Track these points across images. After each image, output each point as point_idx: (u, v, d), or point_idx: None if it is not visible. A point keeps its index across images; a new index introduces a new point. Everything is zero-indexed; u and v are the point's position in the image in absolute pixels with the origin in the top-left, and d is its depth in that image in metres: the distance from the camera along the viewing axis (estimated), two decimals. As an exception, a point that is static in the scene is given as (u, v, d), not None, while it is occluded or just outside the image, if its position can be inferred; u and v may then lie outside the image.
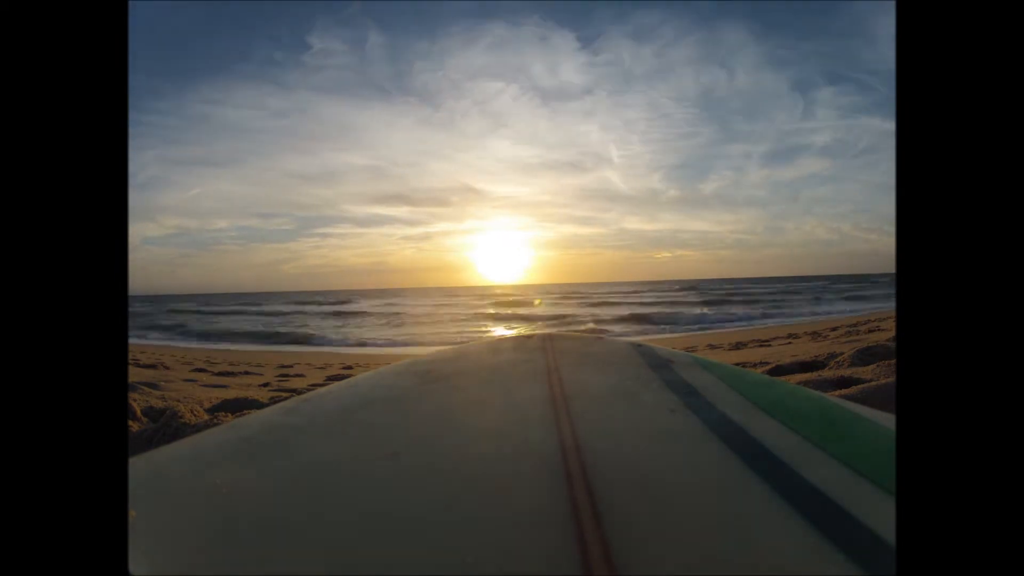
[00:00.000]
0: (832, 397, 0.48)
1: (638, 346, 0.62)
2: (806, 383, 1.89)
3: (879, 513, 0.26)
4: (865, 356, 2.51)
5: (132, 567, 0.24)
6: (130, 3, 0.32)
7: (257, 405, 1.82)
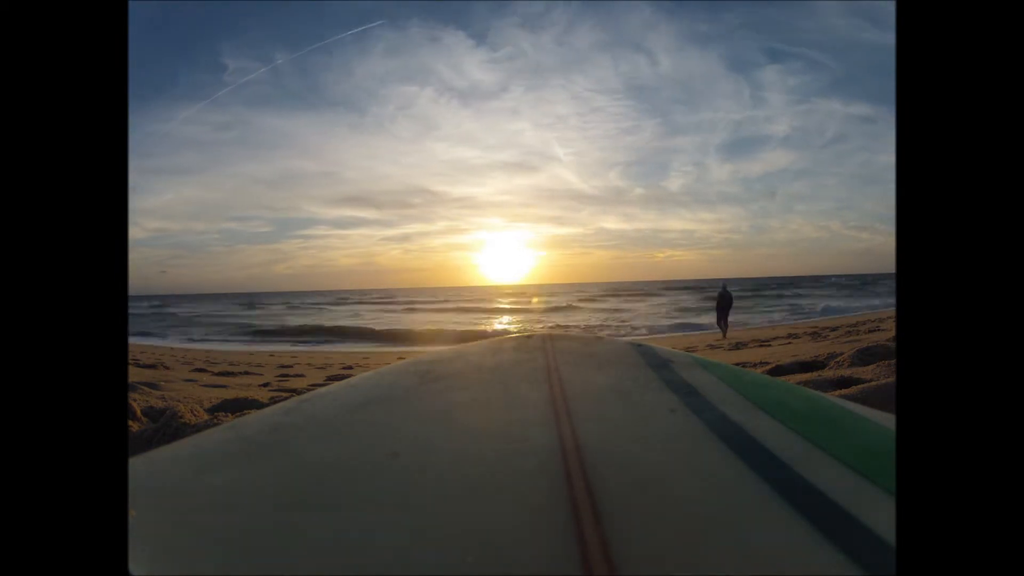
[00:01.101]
0: (832, 397, 0.48)
1: (638, 346, 0.62)
2: (806, 383, 1.89)
3: (879, 513, 0.26)
4: (865, 356, 2.51)
5: (132, 567, 0.24)
6: (130, 3, 0.32)
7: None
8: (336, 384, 0.55)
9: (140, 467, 0.34)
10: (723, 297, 7.85)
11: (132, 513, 0.28)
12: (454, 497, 0.29)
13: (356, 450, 0.36)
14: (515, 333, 0.72)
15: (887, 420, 0.40)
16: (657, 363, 0.54)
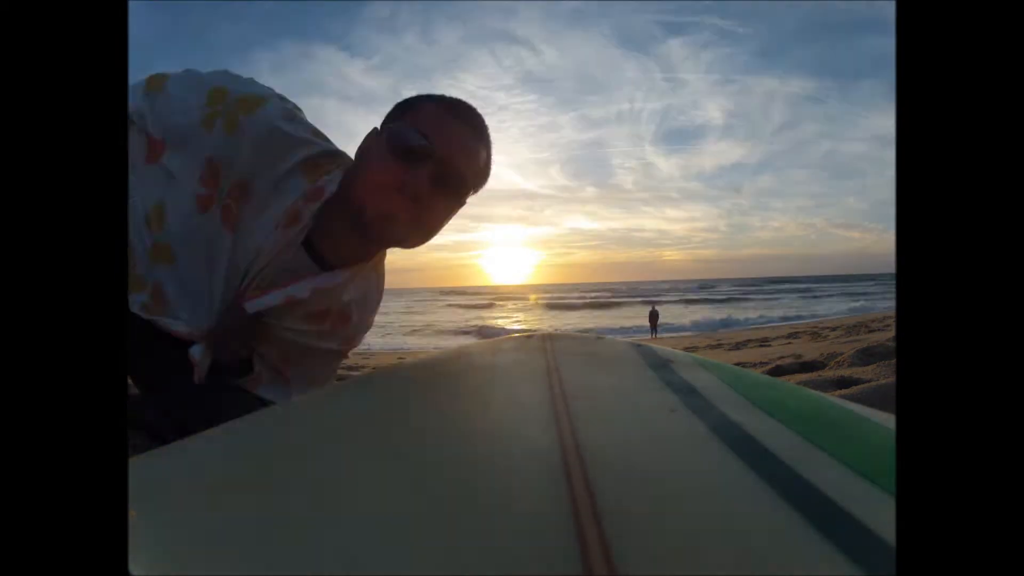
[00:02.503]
0: (832, 397, 0.48)
1: (638, 346, 0.62)
2: (806, 383, 1.89)
3: (879, 513, 0.26)
4: (865, 356, 2.51)
5: (132, 567, 0.24)
6: (130, 3, 0.32)
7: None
8: (336, 384, 0.55)
9: (140, 467, 0.34)
10: (653, 314, 10.69)
11: (132, 513, 0.28)
12: (453, 497, 0.29)
13: (356, 450, 0.36)
14: (516, 333, 0.72)
15: (887, 420, 0.40)
16: (657, 363, 0.54)
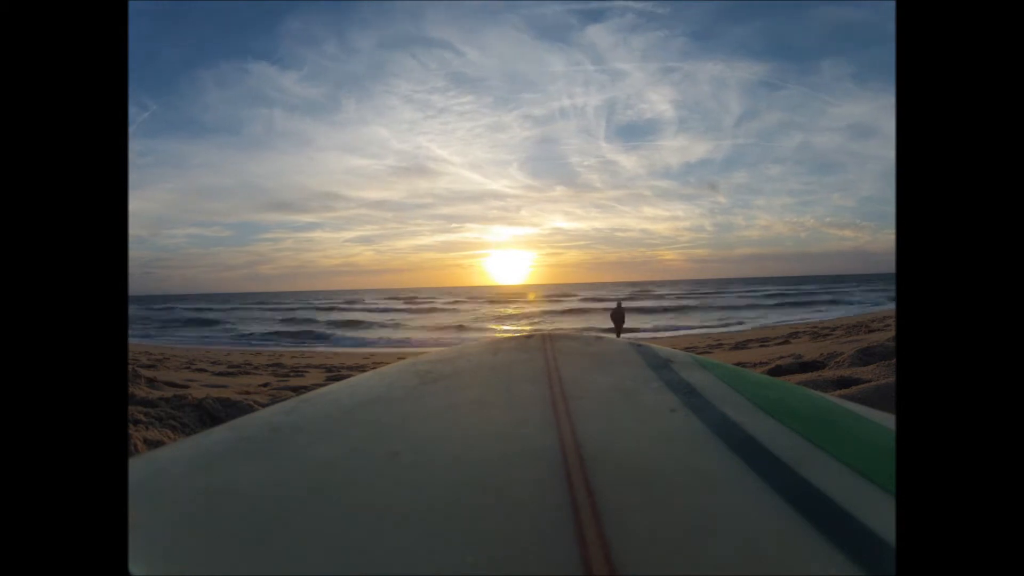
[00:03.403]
0: (832, 397, 0.48)
1: (638, 346, 0.62)
2: (806, 383, 1.89)
3: (879, 513, 0.26)
4: (865, 356, 2.51)
5: (132, 567, 0.24)
6: (130, 3, 0.32)
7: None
8: (336, 384, 0.55)
9: (140, 467, 0.34)
10: (617, 313, 9.99)
11: (132, 514, 0.28)
12: (454, 497, 0.29)
13: (356, 450, 0.36)
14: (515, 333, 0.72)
15: (887, 420, 0.40)
16: (657, 363, 0.54)
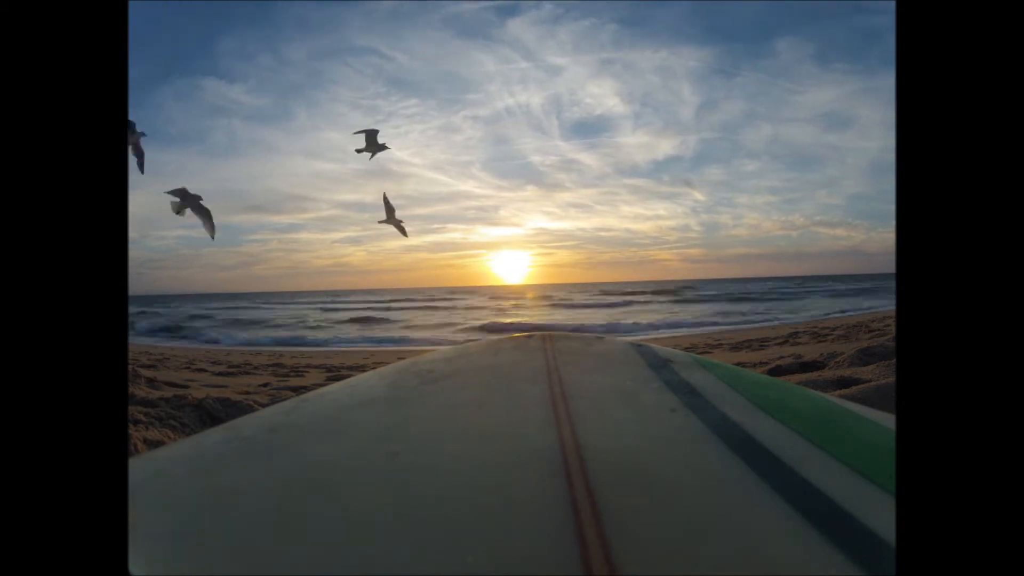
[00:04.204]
0: (832, 397, 0.48)
1: (638, 346, 0.62)
2: (806, 383, 1.89)
3: (879, 513, 0.26)
4: (865, 356, 2.51)
5: (132, 567, 0.24)
6: (130, 3, 0.32)
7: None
8: (336, 384, 0.55)
9: (140, 467, 0.34)
10: None
11: (132, 514, 0.28)
12: (453, 497, 0.29)
13: (356, 450, 0.36)
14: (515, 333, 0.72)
15: (887, 420, 0.40)
16: (657, 363, 0.54)
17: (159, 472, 0.35)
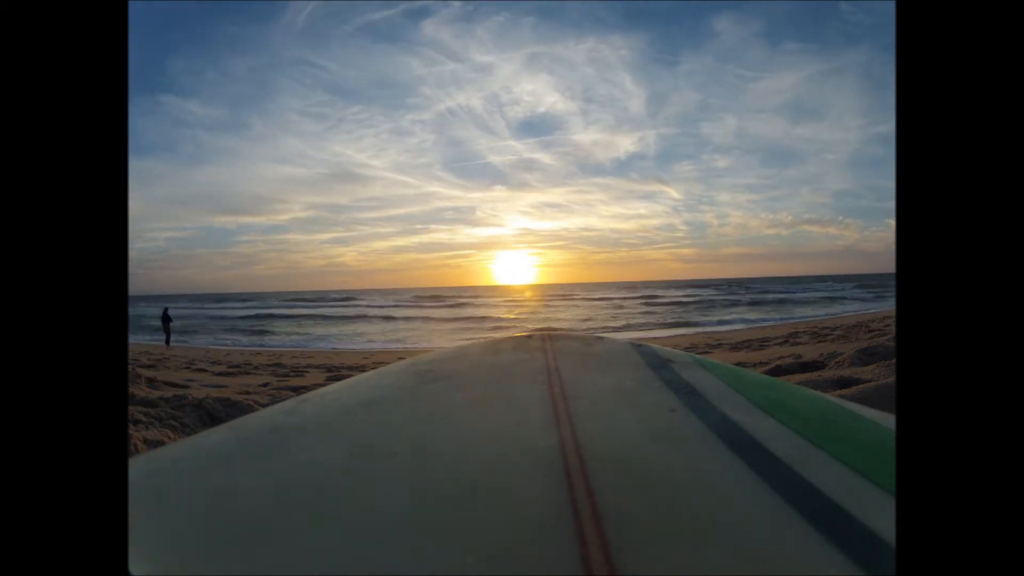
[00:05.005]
0: (832, 397, 0.48)
1: (638, 346, 0.62)
2: (806, 383, 1.89)
3: (879, 513, 0.26)
4: (865, 356, 2.51)
5: (132, 567, 0.24)
6: (130, 3, 0.32)
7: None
8: (336, 384, 0.55)
9: (140, 467, 0.34)
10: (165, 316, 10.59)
11: (132, 514, 0.28)
12: (453, 497, 0.29)
13: (356, 450, 0.36)
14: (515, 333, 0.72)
15: (887, 420, 0.40)
16: (657, 363, 0.54)
17: (159, 472, 0.35)
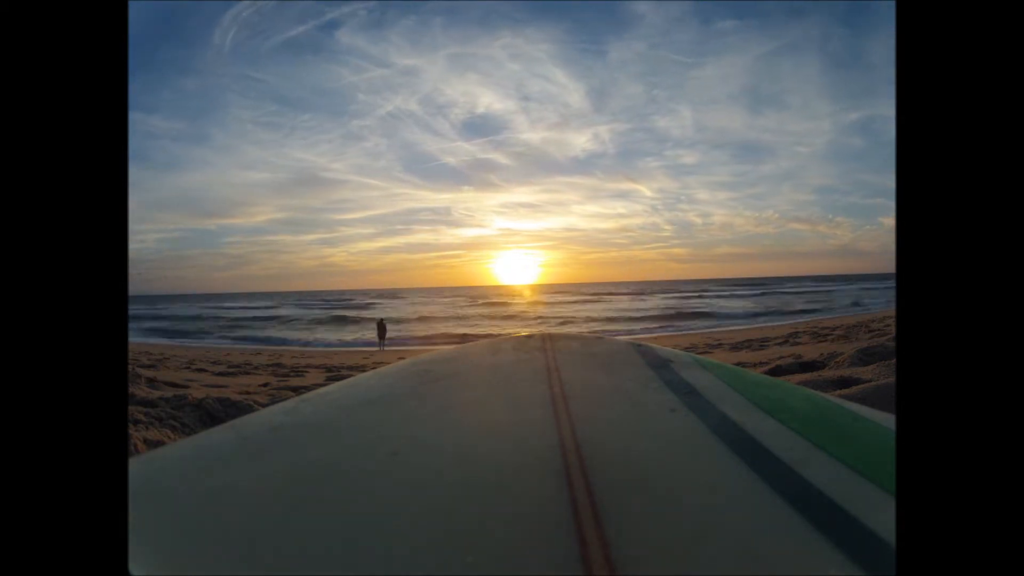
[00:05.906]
0: (832, 397, 0.48)
1: (638, 346, 0.62)
2: (806, 383, 1.89)
3: (879, 513, 0.26)
4: (865, 356, 2.51)
5: (132, 567, 0.24)
6: (130, 3, 0.32)
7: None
8: (336, 384, 0.55)
9: (140, 467, 0.34)
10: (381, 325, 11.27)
11: (132, 514, 0.28)
12: (454, 497, 0.29)
13: (356, 450, 0.36)
14: (515, 333, 0.72)
15: (887, 420, 0.40)
16: (657, 363, 0.54)
17: (159, 472, 0.35)
